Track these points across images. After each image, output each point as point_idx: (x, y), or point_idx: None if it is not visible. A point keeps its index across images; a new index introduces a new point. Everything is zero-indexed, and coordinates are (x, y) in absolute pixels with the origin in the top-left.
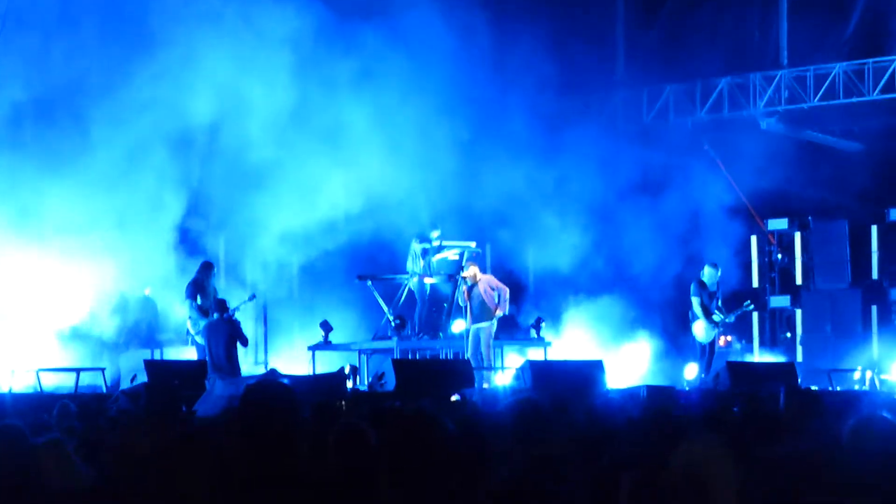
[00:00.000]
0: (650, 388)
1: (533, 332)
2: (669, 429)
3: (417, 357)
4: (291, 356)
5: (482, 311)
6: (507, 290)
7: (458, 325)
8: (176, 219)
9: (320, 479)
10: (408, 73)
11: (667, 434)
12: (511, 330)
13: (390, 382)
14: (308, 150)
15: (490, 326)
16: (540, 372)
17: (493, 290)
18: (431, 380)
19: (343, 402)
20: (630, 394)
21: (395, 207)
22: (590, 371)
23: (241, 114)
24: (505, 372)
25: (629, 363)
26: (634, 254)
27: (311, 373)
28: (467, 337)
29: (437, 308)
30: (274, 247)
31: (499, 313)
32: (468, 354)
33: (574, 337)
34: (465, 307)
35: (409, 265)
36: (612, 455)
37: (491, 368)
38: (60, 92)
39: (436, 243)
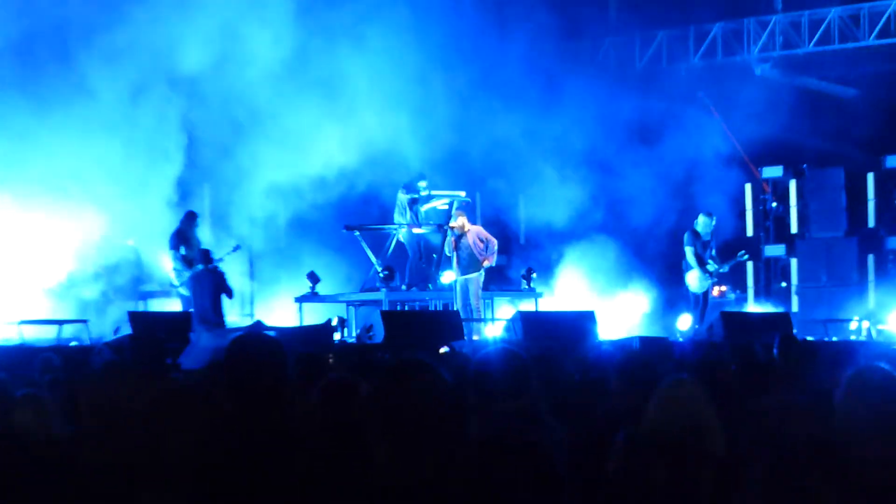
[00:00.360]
0: (643, 339)
1: (524, 283)
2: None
3: (406, 309)
4: (278, 308)
5: (471, 262)
6: (496, 241)
7: (447, 277)
8: (175, 171)
9: (308, 433)
10: (403, 23)
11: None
12: (501, 281)
13: (379, 334)
14: (301, 101)
15: (479, 277)
16: (531, 323)
17: (482, 241)
18: (420, 332)
19: (331, 355)
20: (622, 345)
21: (387, 158)
22: (582, 322)
23: (233, 61)
24: (495, 323)
25: (622, 314)
26: (629, 203)
27: (298, 325)
28: (456, 288)
29: (426, 259)
30: (261, 198)
31: (487, 263)
32: (457, 306)
33: (566, 288)
34: (454, 258)
35: (397, 216)
36: (605, 409)
37: (481, 320)
38: (46, 34)
39: (424, 193)
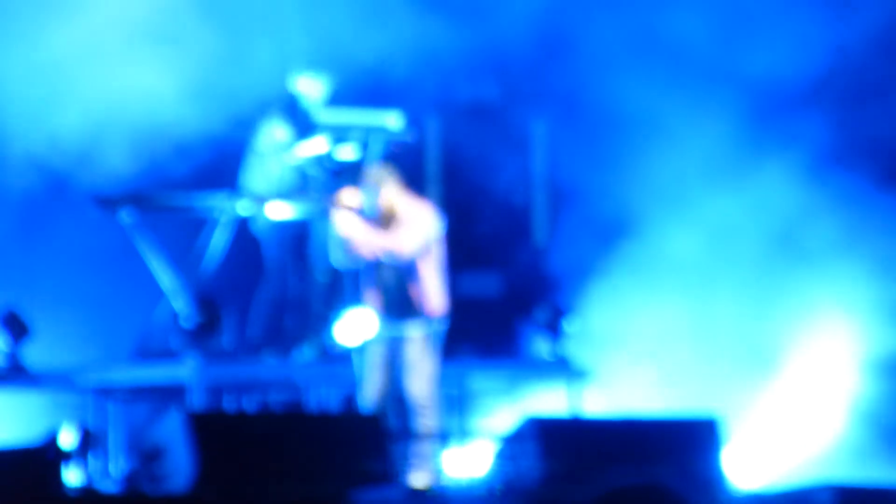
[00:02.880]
0: (841, 490)
1: (544, 346)
2: None
3: (251, 406)
4: None
5: (410, 292)
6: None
7: (349, 328)
8: None
9: None
10: None
11: None
12: (486, 337)
13: (179, 471)
14: None
15: (427, 330)
16: (560, 446)
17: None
18: (285, 465)
19: None
20: (795, 501)
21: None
22: (688, 444)
23: None
24: (473, 444)
25: (786, 424)
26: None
27: None
28: (373, 356)
29: (300, 281)
30: None
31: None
32: (373, 399)
33: (648, 359)
34: (367, 278)
35: (251, 174)
36: None
37: (438, 438)
38: None
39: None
